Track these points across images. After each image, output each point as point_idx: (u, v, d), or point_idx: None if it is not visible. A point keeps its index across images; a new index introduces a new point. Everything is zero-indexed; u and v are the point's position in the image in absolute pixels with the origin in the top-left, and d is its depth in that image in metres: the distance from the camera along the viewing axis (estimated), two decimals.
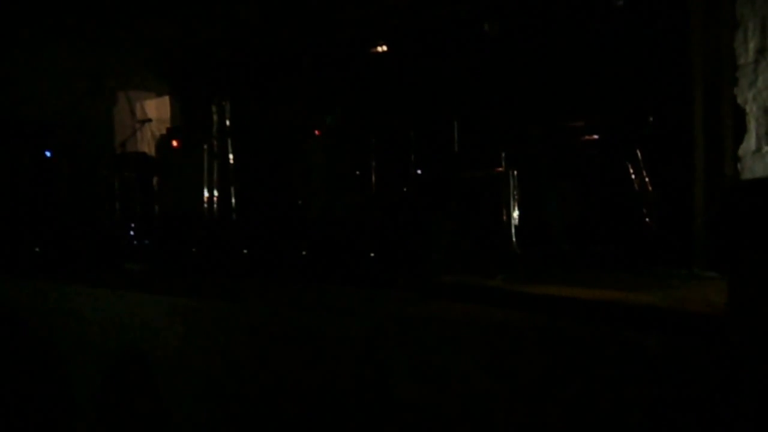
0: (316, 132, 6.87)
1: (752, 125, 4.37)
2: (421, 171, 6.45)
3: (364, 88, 7.32)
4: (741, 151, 4.44)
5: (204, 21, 7.75)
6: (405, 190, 6.39)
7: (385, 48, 7.02)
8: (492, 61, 6.55)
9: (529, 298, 3.58)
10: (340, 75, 7.55)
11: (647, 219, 5.43)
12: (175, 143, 7.99)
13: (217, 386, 3.95)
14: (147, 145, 9.63)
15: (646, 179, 5.49)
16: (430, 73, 6.88)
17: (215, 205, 7.11)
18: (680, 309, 3.12)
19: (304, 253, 5.83)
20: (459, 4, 6.58)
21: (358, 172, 6.56)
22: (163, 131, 8.62)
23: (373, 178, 6.49)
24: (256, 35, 7.78)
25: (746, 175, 4.40)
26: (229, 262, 6.04)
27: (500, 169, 5.52)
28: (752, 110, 4.39)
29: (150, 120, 9.50)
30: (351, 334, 3.44)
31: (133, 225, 8.04)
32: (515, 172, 5.45)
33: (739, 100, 4.43)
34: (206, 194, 7.17)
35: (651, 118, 5.57)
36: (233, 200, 7.05)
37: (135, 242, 7.70)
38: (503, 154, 5.53)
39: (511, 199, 5.42)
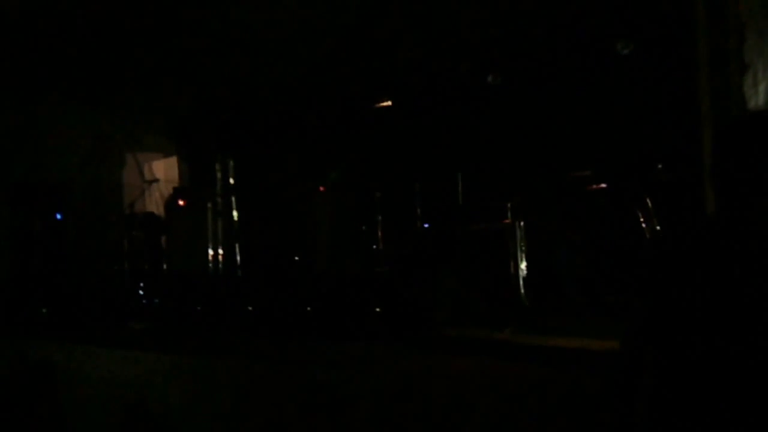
0: (321, 188, 6.83)
1: None
2: (427, 224, 6.37)
3: (368, 142, 7.32)
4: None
5: (209, 82, 7.83)
6: (410, 243, 6.31)
7: (388, 102, 7.03)
8: (496, 112, 6.54)
9: (538, 350, 3.44)
10: (344, 130, 7.56)
11: None
12: (181, 202, 8.00)
13: None
14: (155, 205, 9.62)
15: (657, 227, 5.37)
16: (434, 126, 6.87)
17: (220, 263, 7.06)
18: None
19: (308, 309, 5.72)
20: (462, 57, 6.60)
21: (363, 227, 6.49)
22: (171, 191, 8.64)
23: (379, 233, 6.42)
24: (260, 94, 7.84)
25: None
26: (233, 320, 5.96)
27: (507, 220, 5.44)
28: None
29: (158, 180, 9.53)
30: (356, 390, 3.32)
31: (141, 284, 7.99)
32: (522, 224, 5.37)
33: None
34: (211, 252, 7.12)
35: (660, 165, 5.49)
36: (238, 257, 6.99)
37: (144, 301, 7.65)
38: (509, 206, 5.46)
39: (519, 250, 5.33)
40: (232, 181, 7.18)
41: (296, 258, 6.79)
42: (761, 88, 4.31)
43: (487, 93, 6.52)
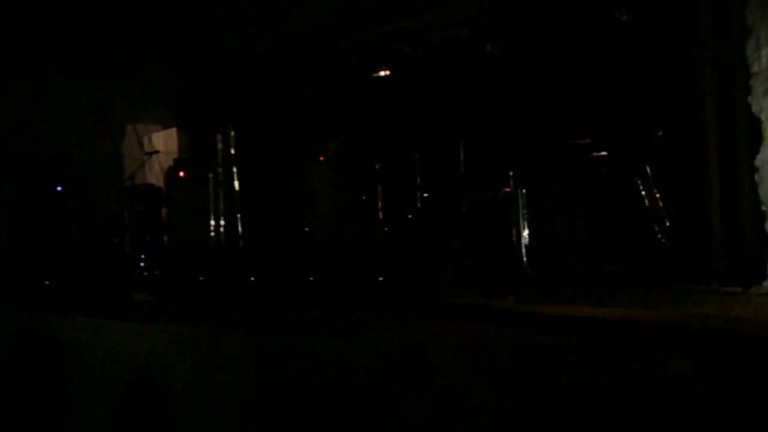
0: (321, 158, 6.82)
1: None
2: (428, 194, 6.37)
3: (368, 112, 7.28)
4: (758, 161, 4.32)
5: (208, 52, 7.78)
6: (412, 213, 6.31)
7: (388, 72, 6.99)
8: (496, 81, 6.50)
9: (541, 318, 3.45)
10: (344, 100, 7.52)
11: (659, 235, 5.31)
12: (182, 174, 7.99)
13: (228, 412, 3.87)
14: (155, 177, 9.62)
15: (657, 195, 5.38)
16: (434, 96, 6.83)
17: (222, 234, 7.07)
18: (703, 327, 2.99)
19: (311, 279, 5.75)
20: (461, 26, 6.54)
21: (364, 197, 6.49)
22: (171, 163, 8.62)
23: (380, 202, 6.42)
24: (260, 64, 7.79)
25: (764, 185, 4.29)
26: (236, 291, 5.98)
27: (508, 189, 5.44)
28: (767, 119, 4.29)
29: (157, 152, 9.49)
30: (360, 360, 3.33)
31: (143, 256, 8.02)
32: (523, 192, 5.37)
33: (754, 109, 4.32)
34: (213, 223, 7.13)
35: (660, 132, 5.48)
36: (239, 228, 7.00)
37: (145, 273, 7.68)
38: (511, 174, 5.46)
39: (520, 219, 5.34)
40: (232, 151, 7.16)
41: (298, 228, 6.81)
42: (764, 52, 4.29)
43: (487, 61, 6.48)
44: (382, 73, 7.04)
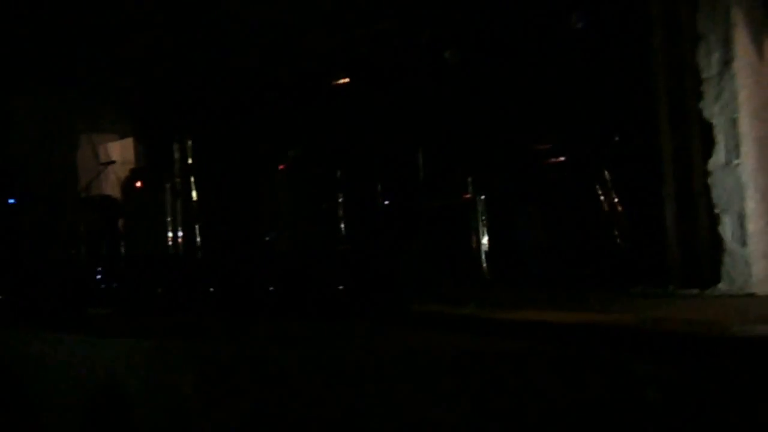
0: (281, 166, 6.78)
1: (720, 138, 4.34)
2: (388, 201, 6.37)
3: (328, 120, 7.27)
4: (710, 166, 4.40)
5: (165, 61, 7.69)
6: (372, 220, 6.31)
7: (347, 79, 6.99)
8: (454, 88, 6.53)
9: (502, 324, 3.46)
10: (303, 108, 7.50)
11: (619, 239, 5.38)
12: (139, 184, 7.89)
13: (190, 424, 3.81)
14: (111, 188, 9.48)
15: (615, 199, 5.45)
16: (393, 103, 6.84)
17: (180, 244, 6.98)
18: (660, 330, 3.02)
19: (271, 288, 5.70)
20: (420, 33, 6.57)
21: (324, 205, 6.46)
22: (127, 173, 8.51)
23: (340, 210, 6.40)
24: (218, 72, 7.73)
25: (717, 189, 4.37)
26: (195, 302, 5.91)
27: (467, 195, 5.46)
28: (719, 123, 4.36)
29: (113, 162, 9.37)
30: (320, 369, 3.30)
31: (99, 268, 7.88)
32: (482, 198, 5.40)
33: (706, 114, 4.40)
34: (170, 234, 7.04)
35: (617, 138, 5.56)
36: (198, 238, 6.91)
37: (102, 285, 7.55)
38: (470, 180, 5.48)
39: (480, 224, 5.36)
40: (190, 161, 7.07)
41: (258, 237, 6.75)
42: (714, 58, 4.38)
43: (446, 68, 6.51)
44: (341, 81, 7.03)
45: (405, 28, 6.50)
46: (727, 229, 4.23)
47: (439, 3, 6.02)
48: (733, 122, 4.26)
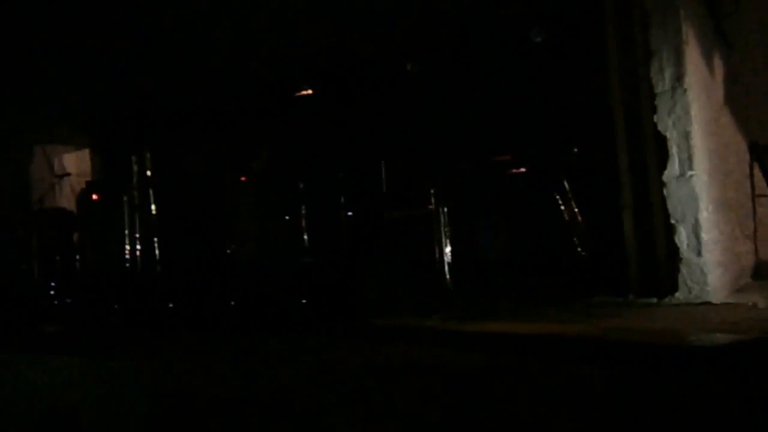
0: (243, 178, 6.71)
1: (674, 151, 4.46)
2: (352, 212, 6.36)
3: (290, 131, 7.23)
4: (665, 177, 4.52)
5: (122, 71, 7.58)
6: (335, 232, 6.28)
7: (309, 91, 6.97)
8: (416, 100, 6.57)
9: (465, 336, 3.47)
10: (265, 119, 7.46)
11: (579, 249, 5.46)
12: (95, 197, 7.73)
13: None
14: (67, 201, 9.31)
15: (576, 209, 5.53)
16: (356, 115, 6.86)
17: (138, 259, 6.85)
18: (619, 339, 3.07)
19: (232, 302, 5.62)
20: (381, 46, 6.60)
21: (286, 217, 6.41)
22: (83, 185, 8.35)
23: (303, 222, 6.36)
24: (178, 83, 7.64)
25: (672, 200, 4.48)
26: (154, 318, 5.79)
27: (430, 206, 5.49)
28: (673, 136, 4.48)
29: (69, 174, 9.22)
30: (282, 385, 3.27)
31: (53, 284, 7.70)
32: (445, 209, 5.43)
33: (660, 127, 4.52)
34: (128, 248, 6.90)
35: (576, 149, 5.65)
36: (157, 252, 6.79)
37: (56, 302, 7.36)
38: (432, 192, 5.51)
39: (443, 236, 5.39)
40: (148, 173, 6.95)
41: (219, 250, 6.67)
42: (667, 73, 4.50)
43: (408, 81, 6.55)
44: (303, 92, 7.01)
45: (368, 42, 6.52)
46: (682, 239, 4.34)
47: (401, 17, 6.05)
48: (686, 135, 4.38)
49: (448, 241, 5.39)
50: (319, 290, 5.20)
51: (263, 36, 6.51)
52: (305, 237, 6.36)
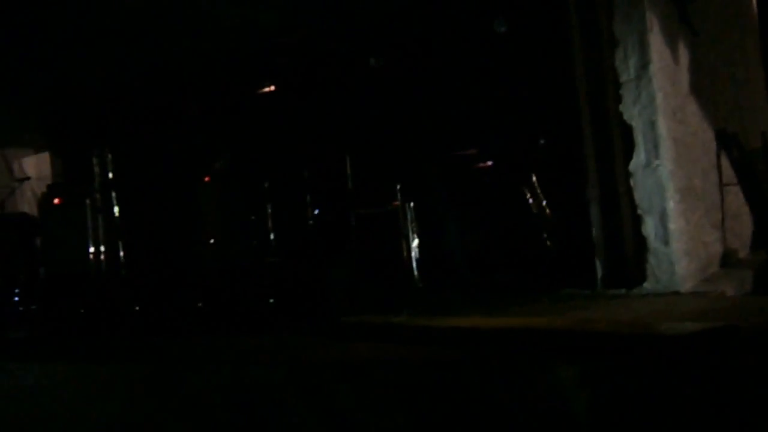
0: (206, 178, 6.61)
1: (640, 140, 4.45)
2: (318, 210, 6.30)
3: (253, 129, 7.14)
4: (632, 167, 4.51)
5: (80, 70, 7.44)
6: (302, 231, 6.23)
7: (272, 87, 6.89)
8: (380, 95, 6.52)
9: (434, 332, 3.44)
10: (227, 118, 7.36)
11: (548, 242, 5.46)
12: (57, 200, 7.59)
13: None
14: (28, 205, 9.15)
15: (543, 203, 5.53)
16: (319, 111, 6.79)
17: (103, 262, 6.75)
18: (587, 330, 3.05)
19: (200, 304, 5.55)
20: (343, 40, 6.54)
21: (252, 217, 6.34)
22: (44, 189, 8.21)
23: (269, 222, 6.29)
24: (137, 82, 7.52)
25: (639, 190, 4.48)
26: (120, 321, 5.71)
27: (396, 203, 5.46)
28: (638, 126, 4.47)
29: (29, 178, 9.06)
30: (252, 385, 3.22)
31: (17, 290, 7.57)
32: (412, 205, 5.40)
33: (626, 117, 4.51)
34: (92, 251, 6.79)
35: (542, 141, 5.64)
36: (121, 255, 6.69)
37: (20, 308, 7.24)
38: (398, 188, 5.48)
39: (410, 232, 5.36)
40: (110, 175, 6.84)
41: (184, 252, 6.58)
42: (631, 62, 4.49)
43: (370, 75, 6.49)
44: (265, 89, 6.93)
45: (329, 36, 6.46)
46: (650, 229, 4.34)
47: (362, 10, 6.00)
48: (652, 124, 4.38)
49: (415, 237, 5.36)
50: (287, 289, 5.16)
51: (224, 33, 6.42)
52: (272, 236, 6.29)
